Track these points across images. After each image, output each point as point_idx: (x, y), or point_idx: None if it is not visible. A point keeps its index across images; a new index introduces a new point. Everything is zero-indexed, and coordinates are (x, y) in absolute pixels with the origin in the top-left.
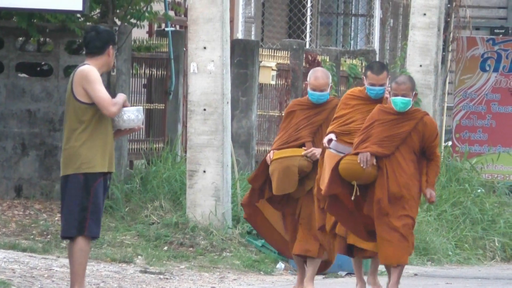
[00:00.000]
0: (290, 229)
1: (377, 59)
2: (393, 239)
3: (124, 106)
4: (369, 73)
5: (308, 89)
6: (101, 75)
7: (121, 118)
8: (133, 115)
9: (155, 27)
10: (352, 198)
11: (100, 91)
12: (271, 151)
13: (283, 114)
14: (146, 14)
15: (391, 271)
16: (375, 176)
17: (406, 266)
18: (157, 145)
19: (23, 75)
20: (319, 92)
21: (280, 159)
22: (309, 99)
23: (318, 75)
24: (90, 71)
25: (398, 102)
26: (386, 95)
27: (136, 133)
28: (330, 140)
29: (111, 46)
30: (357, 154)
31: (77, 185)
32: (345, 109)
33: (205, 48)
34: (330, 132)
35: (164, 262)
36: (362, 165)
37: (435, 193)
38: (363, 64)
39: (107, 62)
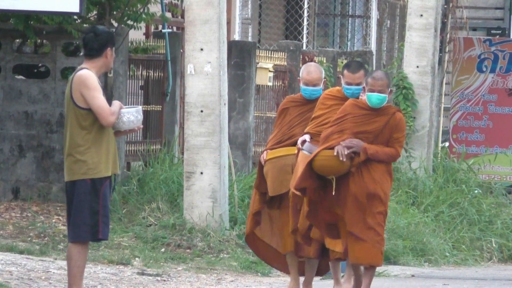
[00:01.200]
0: (282, 224)
1: (374, 60)
2: (367, 238)
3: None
4: (345, 71)
5: (301, 84)
6: (99, 77)
7: (121, 120)
8: (133, 116)
9: (152, 28)
10: (333, 193)
11: (99, 100)
12: (265, 152)
13: None
14: (143, 16)
15: (364, 274)
16: (349, 166)
17: (403, 267)
18: (154, 147)
19: (20, 77)
20: (311, 87)
21: (274, 159)
22: (302, 95)
23: (310, 70)
24: (88, 78)
25: (373, 98)
26: (363, 96)
27: (133, 135)
28: (303, 142)
29: (109, 48)
30: (331, 148)
31: (85, 189)
32: (322, 109)
33: (202, 49)
34: (305, 133)
35: (161, 264)
36: (340, 158)
37: (362, 155)
38: None
39: (105, 64)
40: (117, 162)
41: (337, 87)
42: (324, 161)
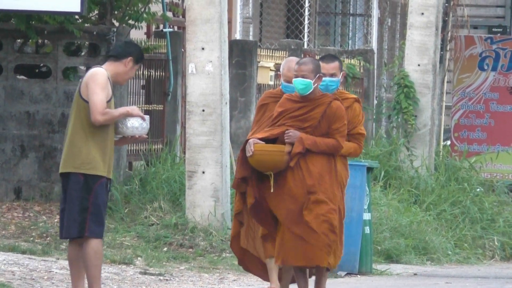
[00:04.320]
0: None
1: (375, 59)
2: (309, 238)
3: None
4: (321, 62)
5: (282, 80)
6: (114, 86)
7: (124, 124)
8: (137, 123)
9: (153, 28)
10: (272, 191)
11: (97, 96)
12: (252, 142)
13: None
14: (144, 15)
15: (315, 279)
16: (287, 161)
17: (405, 266)
18: (156, 146)
19: (22, 77)
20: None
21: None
22: (282, 90)
23: (291, 66)
24: (99, 73)
25: (297, 83)
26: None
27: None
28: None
29: (131, 58)
30: (269, 142)
31: (78, 185)
32: None
33: (203, 48)
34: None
35: (163, 263)
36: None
37: (301, 145)
38: (361, 64)
39: (123, 73)
40: (111, 167)
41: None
42: (260, 156)
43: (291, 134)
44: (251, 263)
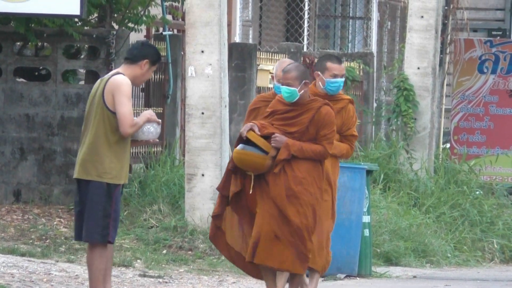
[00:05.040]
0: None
1: (375, 62)
2: (285, 243)
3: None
4: (329, 63)
5: (274, 81)
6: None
7: (140, 129)
8: (152, 127)
9: (153, 31)
10: (250, 192)
11: (125, 107)
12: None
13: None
14: (144, 18)
15: (290, 283)
16: (270, 165)
17: (404, 269)
18: (155, 149)
19: (21, 79)
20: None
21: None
22: (274, 93)
23: (284, 67)
24: (123, 83)
25: (283, 91)
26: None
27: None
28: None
29: (147, 60)
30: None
31: (101, 191)
32: None
33: (202, 51)
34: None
35: (163, 265)
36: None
37: (287, 151)
38: (361, 67)
39: (139, 75)
40: (128, 173)
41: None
42: (242, 155)
43: (277, 139)
44: (242, 263)
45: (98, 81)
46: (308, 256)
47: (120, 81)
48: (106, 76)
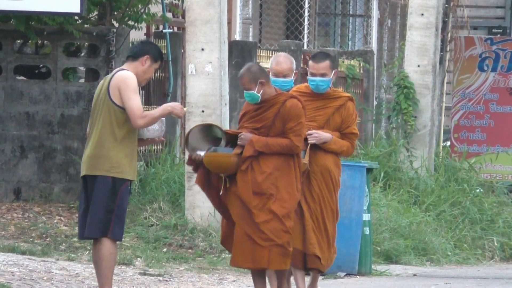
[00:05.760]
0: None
1: (375, 60)
2: (257, 240)
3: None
4: (310, 62)
5: (271, 75)
6: None
7: (145, 128)
8: (158, 125)
9: (153, 29)
10: (221, 193)
11: (134, 101)
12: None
13: None
14: (144, 16)
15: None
16: (236, 163)
17: (405, 267)
18: (155, 147)
19: (21, 77)
20: (282, 78)
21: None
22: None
23: (280, 60)
24: (129, 77)
25: (245, 96)
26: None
27: None
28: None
29: (148, 56)
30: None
31: (105, 187)
32: None
33: (203, 49)
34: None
35: (163, 264)
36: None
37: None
38: (361, 65)
39: (142, 71)
40: (136, 170)
41: (305, 84)
42: (209, 158)
43: (242, 136)
44: None
45: (102, 80)
46: (286, 248)
47: (125, 76)
48: (110, 74)
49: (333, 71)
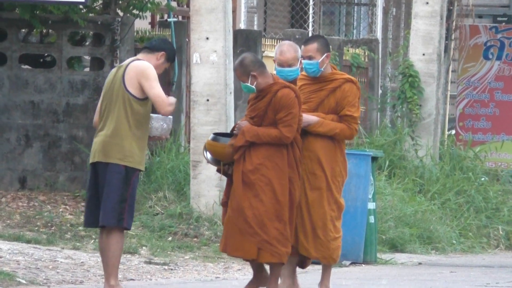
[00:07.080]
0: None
1: (380, 48)
2: (246, 234)
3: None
4: (302, 46)
5: (276, 65)
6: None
7: (153, 125)
8: (165, 124)
9: (158, 17)
10: (220, 179)
11: (157, 89)
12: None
13: None
14: (149, 5)
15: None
16: (231, 153)
17: (410, 255)
18: None
19: (26, 66)
20: (287, 68)
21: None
22: (277, 78)
23: (283, 49)
24: (149, 67)
25: (242, 87)
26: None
27: None
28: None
29: (163, 53)
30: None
31: (119, 175)
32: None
33: (207, 38)
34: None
35: (168, 252)
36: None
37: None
38: (366, 54)
39: (154, 65)
40: (144, 160)
41: None
42: (209, 146)
43: (237, 126)
44: None
45: (115, 69)
46: (273, 244)
47: (144, 66)
48: (125, 63)
49: (325, 54)
